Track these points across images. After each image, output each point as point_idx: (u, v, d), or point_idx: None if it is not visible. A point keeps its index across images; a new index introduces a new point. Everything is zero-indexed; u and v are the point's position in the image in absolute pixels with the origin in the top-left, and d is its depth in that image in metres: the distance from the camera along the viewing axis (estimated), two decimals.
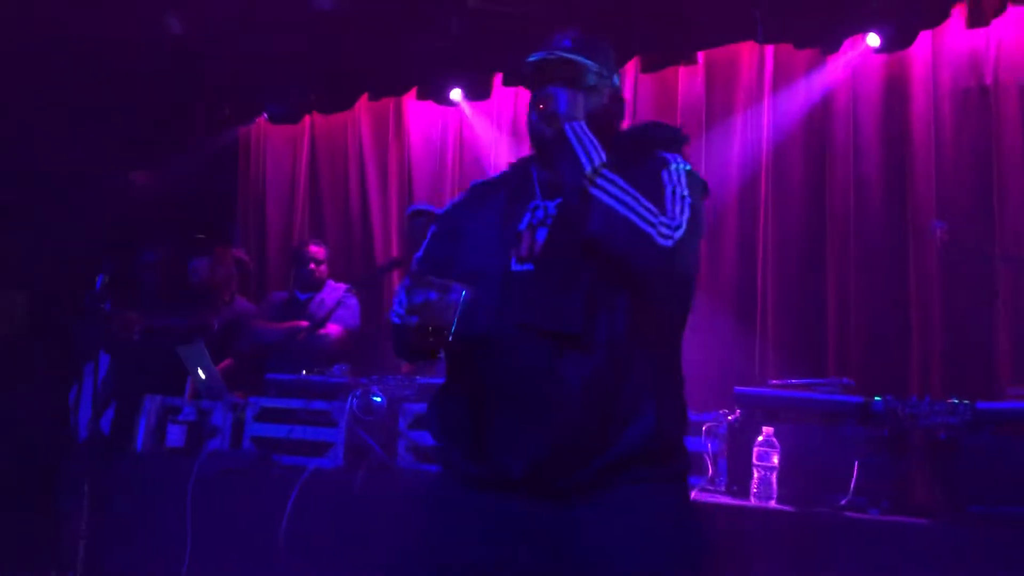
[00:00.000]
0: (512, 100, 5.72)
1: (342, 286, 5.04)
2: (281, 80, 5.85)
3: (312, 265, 4.97)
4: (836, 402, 3.01)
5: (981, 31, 4.46)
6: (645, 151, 1.93)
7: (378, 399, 3.47)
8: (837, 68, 4.75)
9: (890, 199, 4.60)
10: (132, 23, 5.22)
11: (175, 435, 3.75)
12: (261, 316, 5.07)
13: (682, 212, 1.78)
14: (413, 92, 5.85)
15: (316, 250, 5.04)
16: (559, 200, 1.91)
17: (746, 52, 5.01)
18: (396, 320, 1.94)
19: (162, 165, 6.10)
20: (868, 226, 4.62)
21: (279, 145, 6.37)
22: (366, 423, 3.45)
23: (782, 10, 4.54)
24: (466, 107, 5.68)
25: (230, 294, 5.05)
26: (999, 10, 4.37)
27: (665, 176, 1.86)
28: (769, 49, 4.94)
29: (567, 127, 1.84)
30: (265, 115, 6.20)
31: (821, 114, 4.79)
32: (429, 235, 2.11)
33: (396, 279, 5.74)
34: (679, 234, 1.74)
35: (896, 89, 4.66)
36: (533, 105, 1.94)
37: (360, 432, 3.44)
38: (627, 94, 5.30)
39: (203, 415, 3.81)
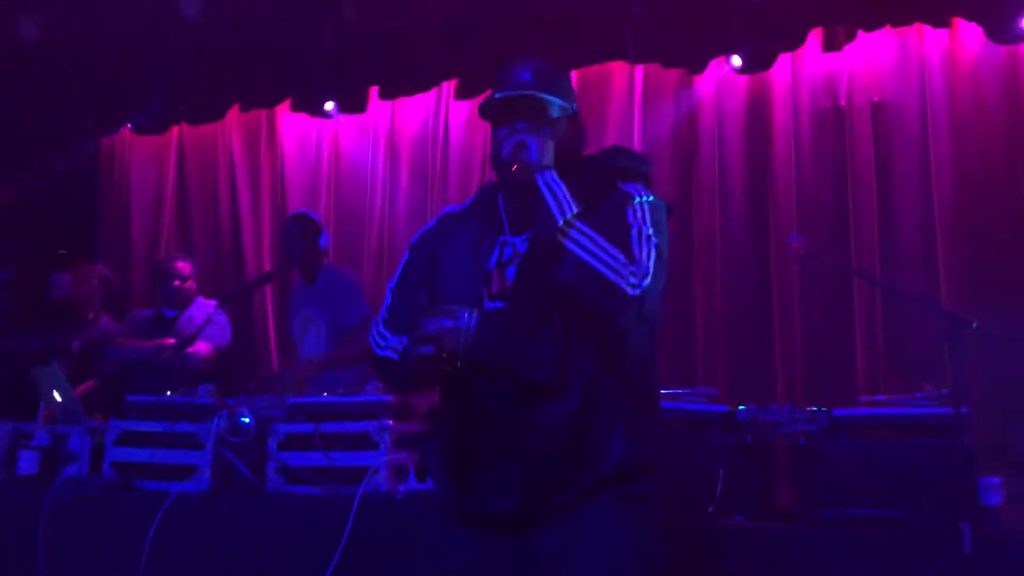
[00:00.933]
0: (388, 114, 5.69)
1: (211, 303, 4.88)
2: (146, 89, 5.63)
3: (176, 282, 4.78)
4: (701, 411, 3.09)
5: (836, 55, 4.71)
6: (609, 183, 1.98)
7: (246, 420, 3.36)
8: (703, 87, 4.92)
9: (753, 213, 4.79)
10: None
11: (27, 462, 3.54)
12: (125, 334, 4.86)
13: (649, 256, 1.84)
14: (286, 104, 5.73)
15: (181, 266, 4.85)
16: (527, 236, 1.95)
17: (618, 71, 5.13)
18: (394, 355, 1.97)
19: (16, 177, 5.78)
20: (733, 239, 4.79)
21: (145, 157, 6.14)
22: (234, 445, 3.34)
23: (651, 31, 4.67)
24: (340, 120, 5.61)
25: (93, 312, 4.82)
26: (851, 36, 4.63)
27: (630, 214, 1.90)
28: (639, 69, 5.08)
29: (539, 179, 1.88)
30: (129, 125, 5.95)
31: (688, 131, 4.95)
32: (402, 263, 2.13)
33: (268, 294, 5.61)
34: (647, 282, 1.81)
35: (758, 108, 4.87)
36: (498, 142, 1.98)
37: (227, 454, 3.33)
38: None
39: (58, 440, 3.61)
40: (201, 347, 4.63)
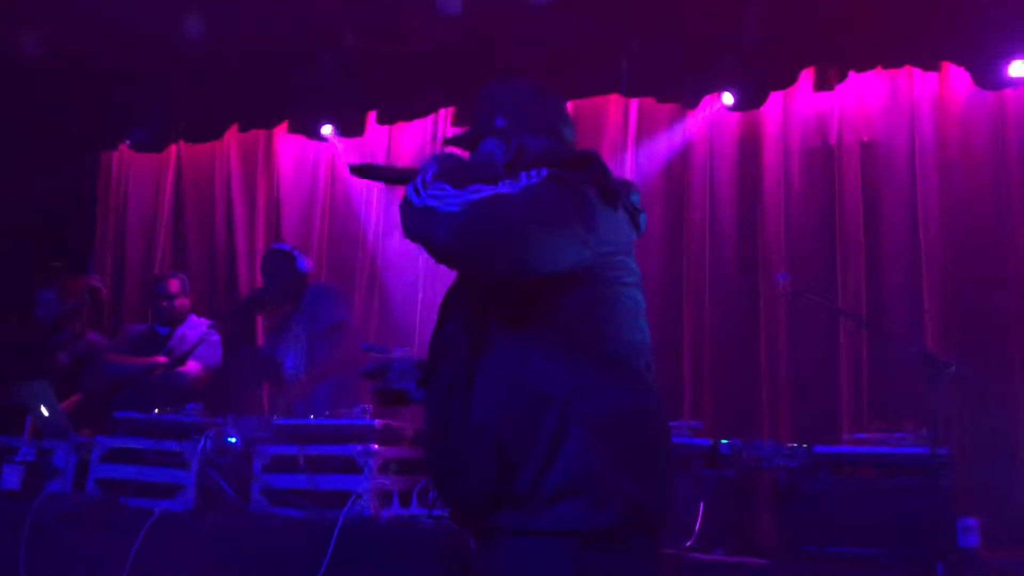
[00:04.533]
0: (386, 139, 5.73)
1: (204, 321, 4.90)
2: (146, 107, 5.68)
3: (164, 302, 4.80)
4: (685, 445, 3.12)
5: (827, 95, 4.78)
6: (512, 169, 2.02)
7: (232, 440, 3.38)
8: (696, 123, 4.99)
9: (743, 249, 4.84)
10: None
11: (11, 477, 3.54)
12: (116, 350, 4.87)
13: (489, 190, 1.82)
14: (284, 125, 5.78)
15: (174, 283, 4.86)
16: None
17: (612, 104, 5.19)
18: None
19: (14, 191, 5.80)
20: (722, 274, 4.84)
21: (143, 173, 6.18)
22: (219, 465, 3.35)
23: (646, 66, 4.73)
24: (337, 143, 5.66)
25: (81, 326, 4.83)
26: (842, 76, 4.70)
27: (521, 176, 1.88)
28: (634, 102, 5.14)
29: (423, 167, 1.97)
30: (127, 142, 5.98)
31: (680, 165, 5.01)
32: None
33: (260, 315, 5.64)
34: (470, 198, 1.79)
35: (750, 145, 4.93)
36: None
37: (212, 474, 3.34)
38: None
39: (44, 455, 3.61)
40: (192, 366, 4.65)
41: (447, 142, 2.23)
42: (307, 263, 4.72)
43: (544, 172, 1.87)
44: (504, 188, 1.85)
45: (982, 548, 2.97)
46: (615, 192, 1.94)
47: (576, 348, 1.85)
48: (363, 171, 2.11)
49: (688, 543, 2.86)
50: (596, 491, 1.76)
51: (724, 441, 3.14)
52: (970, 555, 2.90)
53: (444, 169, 1.94)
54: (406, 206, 1.89)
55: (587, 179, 1.90)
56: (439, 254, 1.83)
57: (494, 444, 1.79)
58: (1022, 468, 4.09)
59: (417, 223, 1.86)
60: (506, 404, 1.81)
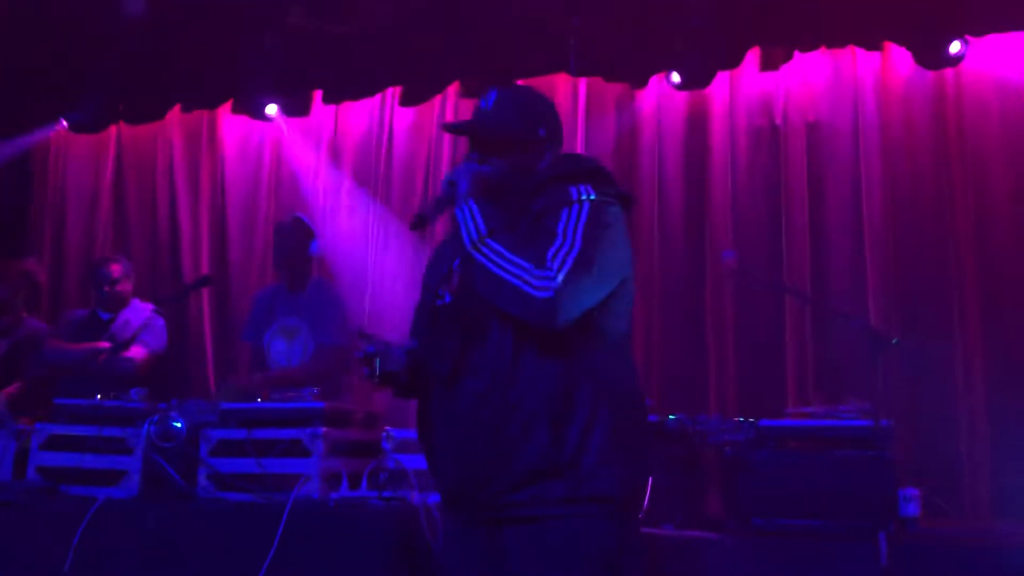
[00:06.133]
0: (332, 118, 5.66)
1: (148, 306, 4.79)
2: (83, 87, 5.53)
3: (106, 287, 4.69)
4: None
5: (772, 75, 4.82)
6: (556, 187, 2.09)
7: (178, 425, 3.33)
8: (645, 102, 5.00)
9: (690, 227, 4.88)
10: None
11: None
12: (57, 336, 4.76)
13: (563, 262, 1.95)
14: (228, 106, 5.68)
15: (116, 267, 4.75)
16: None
17: (561, 83, 5.19)
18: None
19: None
20: (670, 253, 4.88)
21: (82, 155, 6.02)
22: (164, 450, 3.30)
23: (594, 45, 4.73)
24: (283, 123, 5.57)
25: (18, 312, 4.71)
26: (788, 57, 4.75)
27: (563, 216, 2.01)
28: (582, 81, 5.14)
29: (457, 211, 2.08)
30: (64, 123, 5.82)
31: (629, 145, 5.02)
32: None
33: (205, 299, 5.54)
34: (558, 282, 1.92)
35: (697, 124, 4.96)
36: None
37: (158, 460, 3.29)
38: (447, 117, 5.39)
39: None
40: (136, 351, 4.56)
41: (479, 151, 2.19)
42: (318, 248, 4.54)
43: (593, 194, 2.04)
44: (568, 242, 1.96)
45: (923, 518, 3.04)
46: (634, 202, 2.19)
47: (599, 331, 2.03)
48: (424, 220, 2.18)
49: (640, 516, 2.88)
50: (628, 461, 1.98)
51: (671, 416, 3.17)
52: (911, 524, 2.98)
53: (487, 216, 2.03)
54: (479, 270, 2.00)
55: (619, 194, 2.13)
56: (534, 330, 1.96)
57: (550, 422, 1.94)
58: (962, 439, 4.19)
59: (506, 302, 1.97)
60: (548, 383, 1.96)
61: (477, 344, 2.03)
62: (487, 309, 2.01)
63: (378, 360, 2.14)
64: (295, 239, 4.43)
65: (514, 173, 2.16)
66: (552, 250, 1.96)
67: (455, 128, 2.63)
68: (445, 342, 2.09)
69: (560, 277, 1.92)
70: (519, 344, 1.99)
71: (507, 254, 1.98)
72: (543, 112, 2.25)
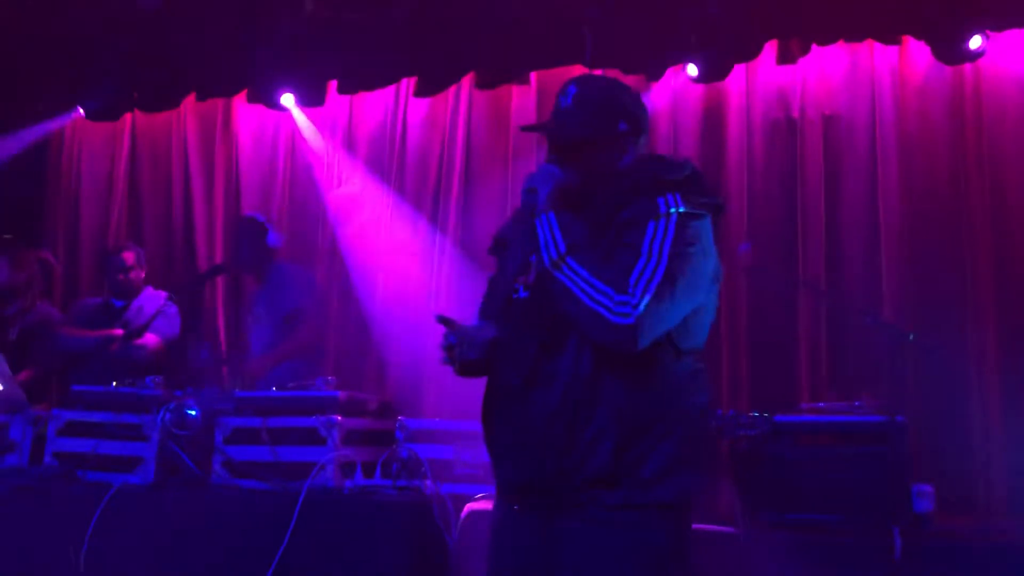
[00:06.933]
0: (347, 108, 5.66)
1: (162, 294, 4.83)
2: (99, 75, 5.54)
3: (120, 275, 4.72)
4: None
5: (790, 68, 4.80)
6: (642, 196, 2.00)
7: (192, 412, 3.35)
8: (661, 95, 4.98)
9: None
10: None
11: None
12: (70, 323, 4.79)
13: (647, 286, 1.90)
14: (243, 95, 5.68)
15: (129, 255, 4.79)
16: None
17: (576, 74, 5.16)
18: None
19: None
20: None
21: (96, 143, 6.03)
22: (179, 438, 3.32)
23: (610, 37, 4.71)
24: (297, 113, 5.57)
25: (32, 298, 4.73)
26: (805, 49, 4.72)
27: (649, 231, 1.95)
28: (598, 73, 5.11)
29: (537, 222, 2.03)
30: (81, 111, 5.84)
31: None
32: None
33: (219, 287, 5.56)
34: (639, 311, 1.88)
35: (713, 117, 4.94)
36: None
37: (173, 447, 3.31)
38: (461, 108, 5.38)
39: None
40: (149, 339, 4.59)
41: (559, 153, 2.13)
42: (277, 238, 4.65)
43: (681, 204, 1.97)
44: (653, 263, 1.91)
45: (936, 514, 3.04)
46: (724, 210, 2.11)
47: (676, 346, 2.00)
48: (501, 244, 2.23)
49: None
50: (689, 472, 1.99)
51: None
52: (925, 520, 2.97)
53: (567, 230, 1.99)
54: (556, 285, 1.96)
55: (710, 203, 2.04)
56: (615, 352, 1.94)
57: (618, 439, 1.94)
58: (976, 435, 4.18)
59: (585, 325, 1.94)
60: (622, 402, 1.95)
61: (553, 353, 2.00)
62: (565, 318, 1.98)
63: (459, 349, 2.11)
64: (250, 241, 4.55)
65: (595, 175, 2.09)
66: (636, 273, 1.91)
67: (534, 128, 2.57)
68: (519, 344, 2.05)
69: (643, 304, 1.89)
70: (597, 361, 1.96)
71: (587, 276, 1.93)
72: (625, 104, 2.15)
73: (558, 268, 1.96)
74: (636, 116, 2.14)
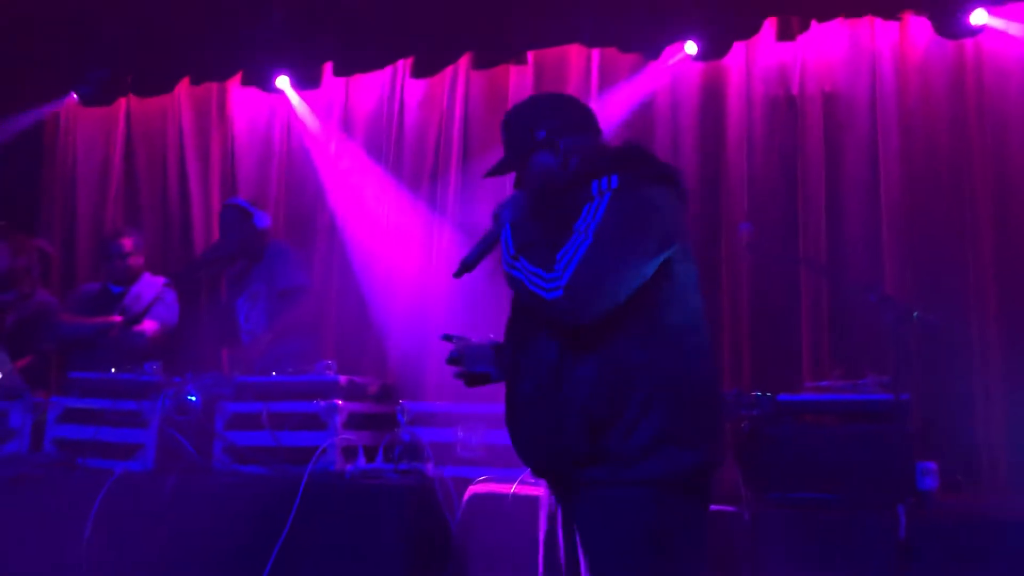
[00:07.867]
0: (343, 91, 5.61)
1: (160, 280, 4.81)
2: (93, 60, 5.49)
3: (117, 260, 4.70)
4: None
5: (789, 45, 4.76)
6: (580, 188, 2.11)
7: (192, 398, 3.34)
8: (659, 73, 4.94)
9: (705, 199, 4.82)
10: None
11: None
12: (68, 310, 4.76)
13: (573, 257, 1.99)
14: (238, 78, 5.63)
15: (124, 242, 4.76)
16: None
17: (574, 54, 5.13)
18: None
19: None
20: None
21: (91, 128, 5.98)
22: (179, 423, 3.31)
23: (607, 16, 4.67)
24: (293, 95, 5.53)
25: (31, 285, 4.70)
26: (805, 26, 4.68)
27: (583, 212, 2.05)
28: (596, 52, 5.08)
29: (503, 232, 2.16)
30: (75, 96, 5.79)
31: (643, 116, 4.96)
32: None
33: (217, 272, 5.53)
34: (564, 281, 1.98)
35: (712, 95, 4.90)
36: None
37: (173, 433, 3.30)
38: (459, 89, 5.33)
39: None
40: (148, 325, 4.56)
41: (489, 174, 2.35)
42: (264, 219, 4.64)
43: (616, 182, 2.05)
44: (580, 239, 2.00)
45: (940, 491, 3.03)
46: (675, 181, 2.15)
47: (652, 323, 2.05)
48: (467, 266, 2.23)
49: None
50: (675, 448, 2.01)
51: None
52: (929, 498, 2.97)
53: (520, 235, 2.11)
54: (512, 283, 2.10)
55: (653, 174, 2.12)
56: (565, 330, 2.05)
57: (584, 418, 2.00)
58: (979, 412, 4.17)
59: (536, 310, 2.07)
60: (595, 380, 2.01)
61: (527, 349, 2.12)
62: (533, 317, 2.10)
63: (468, 360, 2.28)
64: (237, 227, 4.54)
65: (548, 186, 2.21)
66: (562, 252, 2.01)
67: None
68: (508, 347, 2.22)
69: (567, 276, 1.97)
70: (562, 348, 2.05)
71: (530, 266, 2.06)
72: (537, 112, 2.28)
73: (513, 267, 2.09)
74: (552, 118, 2.25)
